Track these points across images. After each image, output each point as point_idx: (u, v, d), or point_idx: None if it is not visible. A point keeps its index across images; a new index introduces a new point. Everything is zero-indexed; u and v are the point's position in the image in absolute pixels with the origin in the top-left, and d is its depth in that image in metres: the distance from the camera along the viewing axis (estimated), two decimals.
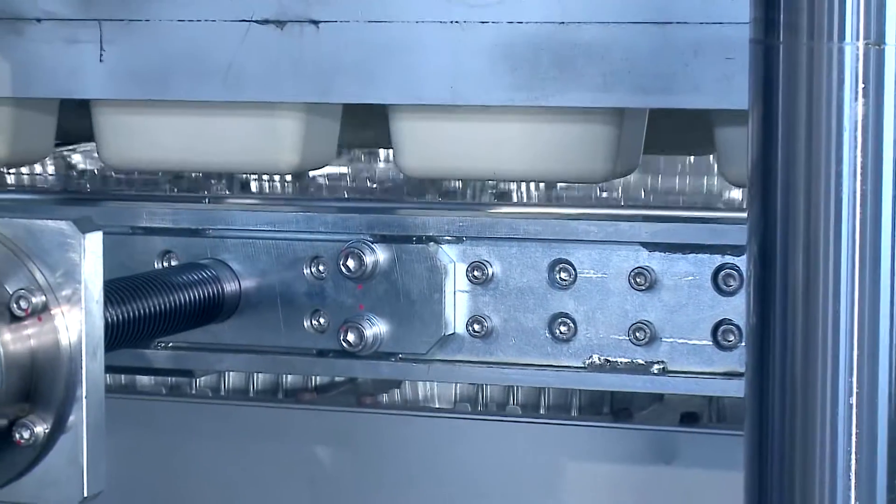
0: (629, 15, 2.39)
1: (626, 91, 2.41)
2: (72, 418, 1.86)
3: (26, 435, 1.86)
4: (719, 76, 2.33)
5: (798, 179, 1.84)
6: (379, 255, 2.39)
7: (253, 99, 2.56)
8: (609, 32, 2.39)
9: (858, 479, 1.84)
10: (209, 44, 2.55)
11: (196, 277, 2.41)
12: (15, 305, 1.85)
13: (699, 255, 2.32)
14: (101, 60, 2.58)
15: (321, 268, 2.41)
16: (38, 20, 2.60)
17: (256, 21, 2.52)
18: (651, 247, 2.33)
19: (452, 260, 2.39)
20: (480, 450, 2.57)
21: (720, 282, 2.31)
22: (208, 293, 2.40)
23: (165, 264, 2.48)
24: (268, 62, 2.52)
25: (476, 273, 2.38)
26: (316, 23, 2.50)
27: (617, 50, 2.39)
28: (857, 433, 1.83)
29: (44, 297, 1.86)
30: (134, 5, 2.57)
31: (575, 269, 2.36)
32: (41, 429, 1.86)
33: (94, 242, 1.87)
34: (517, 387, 2.69)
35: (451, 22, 2.44)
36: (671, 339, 2.34)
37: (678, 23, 2.36)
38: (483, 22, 2.43)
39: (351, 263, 2.38)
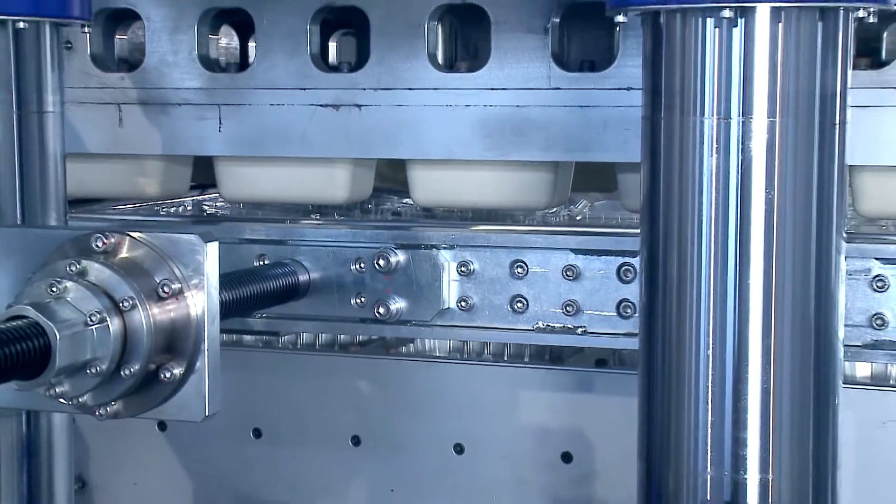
0: (562, 102, 2.38)
1: (559, 150, 2.39)
2: (198, 364, 1.84)
3: (168, 375, 1.84)
4: (621, 141, 2.31)
5: (673, 207, 1.82)
6: (400, 257, 2.37)
7: (318, 155, 2.53)
8: (549, 112, 2.39)
9: (713, 403, 1.82)
10: (290, 120, 2.53)
11: (281, 271, 2.39)
12: (160, 290, 1.83)
13: (608, 257, 2.30)
14: (220, 131, 2.56)
15: (362, 265, 2.38)
16: (179, 104, 2.58)
17: (321, 105, 2.50)
18: (577, 251, 2.31)
19: (447, 260, 2.37)
20: (465, 383, 2.55)
21: (622, 274, 2.29)
22: (288, 282, 2.38)
23: (260, 263, 2.45)
24: (328, 132, 2.51)
25: (463, 268, 2.36)
26: (359, 106, 2.48)
27: (554, 124, 2.38)
28: (711, 374, 1.81)
29: (179, 285, 1.83)
30: (241, 95, 2.55)
31: (527, 266, 2.33)
32: (178, 371, 1.84)
33: (213, 249, 1.85)
34: (489, 342, 2.65)
35: (447, 106, 2.43)
36: (590, 312, 2.31)
37: (594, 106, 2.35)
38: (467, 106, 2.42)
39: (381, 262, 2.36)
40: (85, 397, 1.83)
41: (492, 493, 2.52)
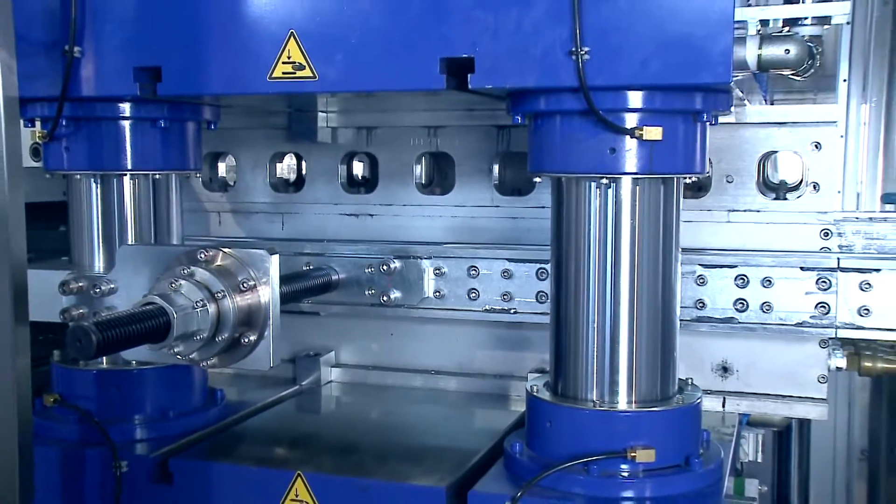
0: (500, 215, 2.40)
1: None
2: (266, 333, 1.83)
3: (246, 341, 1.83)
4: (539, 240, 2.32)
5: (571, 229, 1.83)
6: (397, 264, 2.35)
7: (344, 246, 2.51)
8: (492, 222, 2.41)
9: (598, 358, 1.83)
10: (326, 224, 2.54)
11: (319, 273, 2.37)
12: (241, 285, 1.82)
13: (531, 263, 2.29)
14: (282, 229, 2.59)
15: (372, 269, 2.36)
16: (256, 213, 2.61)
17: (346, 214, 2.53)
18: (511, 260, 2.30)
19: (427, 266, 2.35)
20: (441, 340, 2.52)
21: (539, 275, 2.28)
22: (325, 280, 2.36)
23: (306, 268, 2.42)
24: (350, 231, 2.52)
25: (436, 271, 2.35)
26: (372, 215, 2.51)
27: (495, 230, 2.41)
28: (596, 338, 1.82)
29: (254, 282, 1.83)
30: (296, 207, 2.57)
31: (479, 269, 2.32)
32: (253, 338, 1.83)
33: (275, 259, 1.84)
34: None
35: (427, 216, 2.46)
36: (519, 299, 2.30)
37: (521, 218, 2.38)
38: (440, 216, 2.45)
39: (385, 267, 2.34)
40: (193, 355, 1.82)
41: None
